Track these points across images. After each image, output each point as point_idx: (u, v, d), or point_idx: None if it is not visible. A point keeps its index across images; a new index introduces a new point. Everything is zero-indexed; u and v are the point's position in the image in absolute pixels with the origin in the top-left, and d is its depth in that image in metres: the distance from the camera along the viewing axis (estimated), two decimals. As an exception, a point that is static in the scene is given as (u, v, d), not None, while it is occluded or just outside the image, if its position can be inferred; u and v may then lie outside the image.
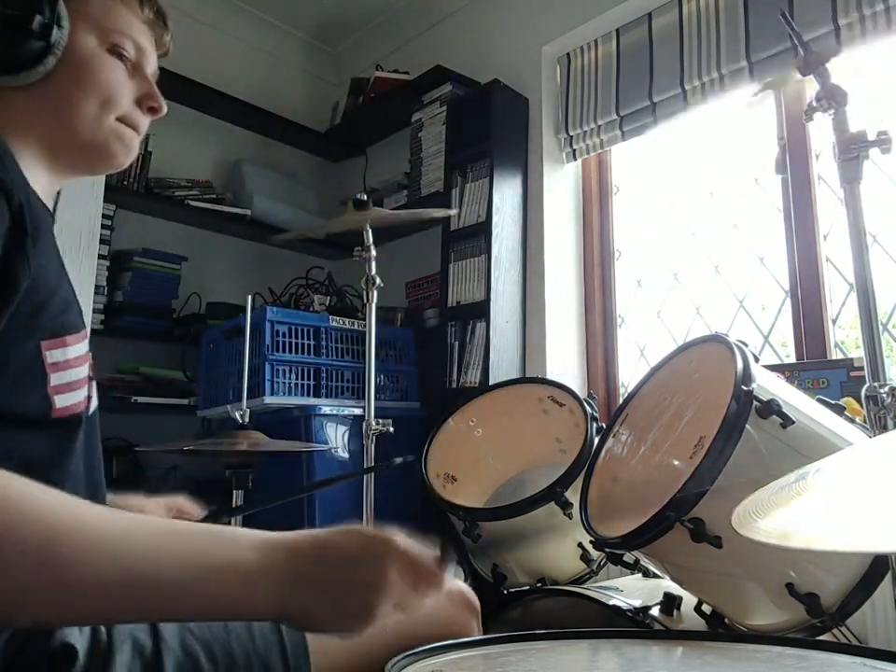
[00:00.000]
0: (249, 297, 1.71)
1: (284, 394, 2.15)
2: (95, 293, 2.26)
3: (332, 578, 0.54)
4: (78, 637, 0.60)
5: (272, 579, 0.52)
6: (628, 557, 1.12)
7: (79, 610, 0.49)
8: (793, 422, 0.91)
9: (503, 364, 2.25)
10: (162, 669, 0.61)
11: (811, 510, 0.39)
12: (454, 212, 1.78)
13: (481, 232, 2.32)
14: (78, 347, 0.66)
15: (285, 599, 0.52)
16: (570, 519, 1.27)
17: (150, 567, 0.49)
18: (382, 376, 2.42)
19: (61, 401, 0.63)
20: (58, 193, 0.84)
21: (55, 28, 0.68)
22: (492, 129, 2.36)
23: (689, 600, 1.05)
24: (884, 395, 0.99)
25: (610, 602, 1.08)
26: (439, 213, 1.54)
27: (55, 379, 0.63)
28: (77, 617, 0.52)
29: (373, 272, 1.57)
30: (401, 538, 0.58)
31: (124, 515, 0.52)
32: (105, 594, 0.48)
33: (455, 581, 0.83)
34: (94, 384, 0.71)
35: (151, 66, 0.79)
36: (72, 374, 0.65)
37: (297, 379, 2.20)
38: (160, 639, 0.62)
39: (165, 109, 0.79)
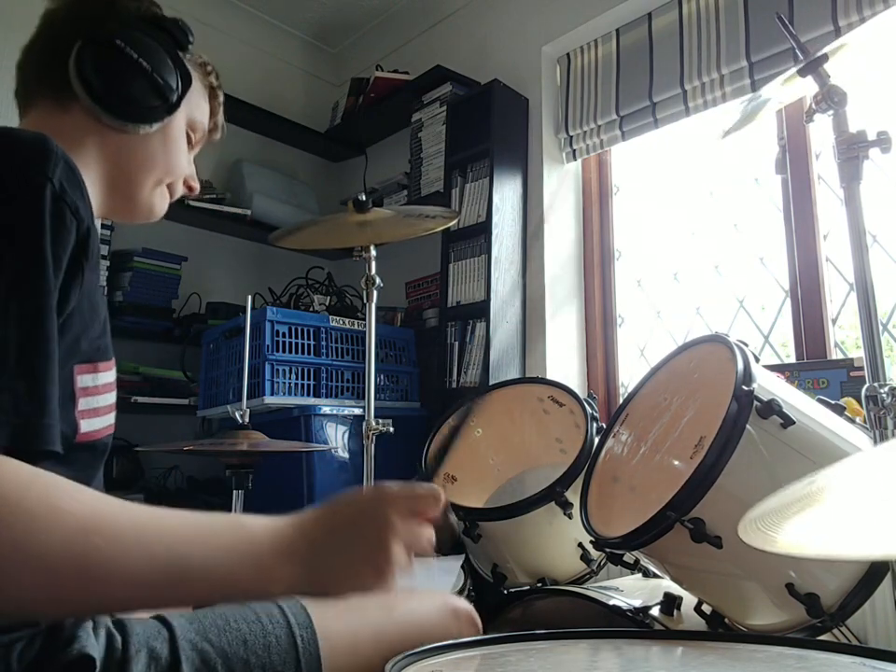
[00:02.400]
0: (249, 297, 1.71)
1: (284, 394, 2.15)
2: (95, 293, 2.26)
3: (343, 540, 0.58)
4: (95, 647, 0.61)
5: (284, 557, 0.56)
6: (628, 557, 1.12)
7: (112, 600, 0.52)
8: (794, 422, 0.91)
9: (503, 364, 2.25)
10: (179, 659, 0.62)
11: (824, 518, 0.39)
12: (453, 222, 1.79)
13: (481, 232, 2.32)
14: (108, 374, 0.70)
15: (302, 573, 0.56)
16: (570, 519, 1.27)
17: (175, 556, 0.52)
18: (382, 376, 2.42)
19: (86, 426, 0.66)
20: None
21: (181, 102, 0.81)
22: (492, 129, 2.36)
23: (689, 600, 1.05)
24: (884, 395, 0.99)
25: (610, 602, 1.08)
26: (438, 226, 1.55)
27: (83, 404, 0.65)
28: (110, 607, 0.55)
29: (373, 272, 1.57)
30: (390, 484, 0.63)
31: (147, 508, 0.54)
32: (136, 584, 0.50)
33: (460, 600, 0.85)
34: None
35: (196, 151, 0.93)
36: (99, 400, 0.68)
37: (297, 379, 2.20)
38: (177, 648, 0.64)
39: (198, 189, 0.92)
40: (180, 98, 0.81)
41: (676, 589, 1.07)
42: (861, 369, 1.43)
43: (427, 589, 0.96)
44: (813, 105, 1.10)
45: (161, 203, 0.87)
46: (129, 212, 0.86)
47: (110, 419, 0.71)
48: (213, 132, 0.94)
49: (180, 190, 0.90)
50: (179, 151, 0.86)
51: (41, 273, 0.55)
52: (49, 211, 0.56)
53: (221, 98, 0.94)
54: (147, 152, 0.82)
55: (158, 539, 0.52)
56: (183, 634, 0.65)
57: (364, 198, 1.52)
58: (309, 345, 2.25)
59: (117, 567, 0.49)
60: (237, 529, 0.56)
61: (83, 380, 0.65)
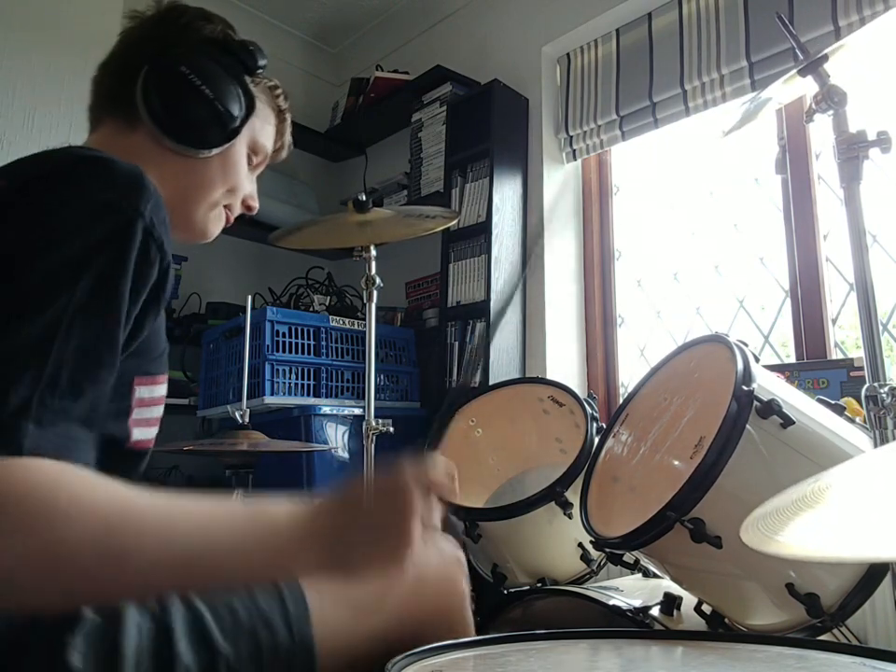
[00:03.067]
0: (249, 297, 1.71)
1: (284, 394, 2.15)
2: (95, 293, 2.26)
3: (364, 522, 0.59)
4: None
5: (306, 541, 0.57)
6: (628, 557, 1.12)
7: (134, 590, 0.53)
8: (794, 422, 0.91)
9: (503, 364, 2.25)
10: (170, 623, 0.62)
11: (826, 520, 0.39)
12: (453, 222, 1.78)
13: (481, 232, 2.32)
14: (162, 388, 0.73)
15: (322, 556, 0.57)
16: (570, 519, 1.27)
17: (198, 545, 0.53)
18: (382, 376, 2.42)
19: (137, 434, 0.68)
20: None
21: (242, 129, 0.83)
22: (492, 129, 2.36)
23: (689, 600, 1.05)
24: (884, 395, 0.99)
25: (610, 602, 1.08)
26: (438, 226, 1.56)
27: (137, 413, 0.68)
28: (132, 596, 0.55)
29: (373, 272, 1.57)
30: (406, 462, 0.62)
31: (170, 498, 0.55)
32: (159, 574, 0.52)
33: (444, 541, 0.84)
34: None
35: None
36: (152, 412, 0.71)
37: (297, 379, 2.20)
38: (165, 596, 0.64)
39: (257, 209, 0.93)
40: (241, 125, 0.83)
41: (676, 589, 1.07)
42: (861, 369, 1.43)
43: None
44: (813, 105, 1.10)
45: (215, 224, 0.90)
46: (183, 232, 0.87)
47: (156, 430, 0.73)
48: (278, 152, 0.96)
49: (238, 210, 0.92)
50: (238, 174, 0.87)
51: (112, 303, 0.57)
52: (138, 245, 0.58)
53: (289, 120, 0.96)
54: (206, 175, 0.84)
55: (181, 528, 0.53)
56: None
57: (364, 198, 1.52)
58: (309, 345, 2.25)
59: (140, 559, 0.50)
60: (258, 514, 0.57)
61: (140, 391, 0.68)
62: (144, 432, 0.70)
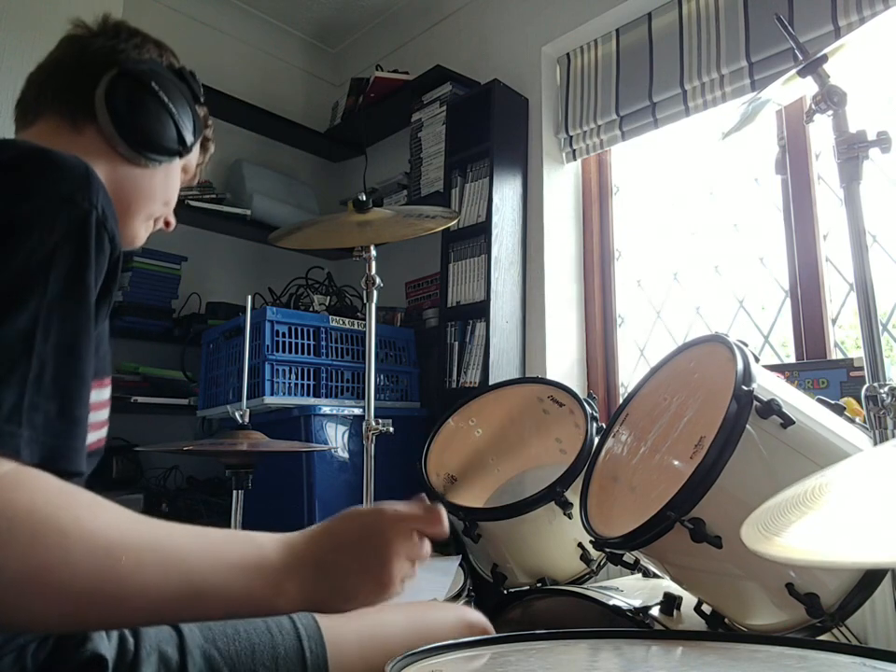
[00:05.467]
0: (249, 297, 1.71)
1: (284, 394, 2.15)
2: (95, 293, 2.26)
3: (347, 557, 0.59)
4: (108, 648, 0.62)
5: (294, 575, 0.57)
6: (628, 557, 1.12)
7: (125, 619, 0.52)
8: (793, 422, 0.91)
9: (503, 364, 2.25)
10: None
11: (826, 523, 0.39)
12: (453, 222, 1.78)
13: (481, 232, 2.32)
14: (107, 391, 0.71)
15: (309, 591, 0.57)
16: (570, 519, 1.27)
17: (190, 576, 0.52)
18: (382, 376, 2.42)
19: (88, 437, 0.67)
20: None
21: (194, 146, 0.89)
22: (492, 129, 2.36)
23: (689, 600, 1.05)
24: (884, 395, 0.99)
25: (610, 602, 1.08)
26: (438, 226, 1.56)
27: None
28: (122, 624, 0.56)
29: (373, 272, 1.57)
30: (389, 504, 0.64)
31: (163, 526, 0.54)
32: (151, 604, 0.51)
33: (475, 612, 0.87)
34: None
35: None
36: (99, 415, 0.69)
37: (297, 379, 2.20)
38: (185, 653, 0.65)
39: (175, 225, 0.97)
40: (193, 143, 0.89)
41: (676, 589, 1.07)
42: (860, 369, 1.43)
43: (443, 602, 0.96)
44: (813, 106, 1.10)
45: (144, 233, 0.92)
46: None
47: (100, 434, 0.72)
48: (195, 175, 1.00)
49: (160, 224, 0.95)
50: (175, 189, 0.92)
51: (83, 297, 0.56)
52: (94, 237, 0.58)
53: (211, 150, 1.01)
54: (149, 186, 0.87)
55: (174, 559, 0.52)
56: (192, 640, 0.66)
57: (364, 198, 1.52)
58: (309, 345, 2.25)
59: (136, 588, 0.50)
60: (249, 546, 0.57)
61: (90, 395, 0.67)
62: (93, 435, 0.68)
